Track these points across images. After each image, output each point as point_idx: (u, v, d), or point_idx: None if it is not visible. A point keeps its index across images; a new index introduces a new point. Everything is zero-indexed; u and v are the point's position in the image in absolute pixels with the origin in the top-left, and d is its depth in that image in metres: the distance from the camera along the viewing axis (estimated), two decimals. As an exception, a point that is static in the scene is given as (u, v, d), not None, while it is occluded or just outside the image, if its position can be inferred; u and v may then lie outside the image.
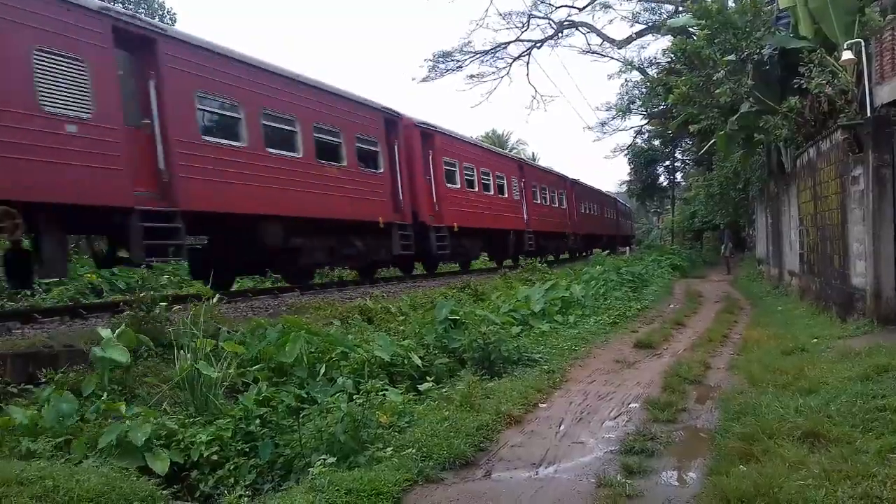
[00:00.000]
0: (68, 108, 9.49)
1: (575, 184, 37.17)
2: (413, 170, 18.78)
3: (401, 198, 17.95)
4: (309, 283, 16.30)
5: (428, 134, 19.91)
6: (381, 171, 17.30)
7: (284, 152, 13.78)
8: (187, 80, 11.49)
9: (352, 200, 15.73)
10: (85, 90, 9.73)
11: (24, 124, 8.90)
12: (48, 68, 9.26)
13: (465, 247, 22.34)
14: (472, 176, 22.58)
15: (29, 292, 14.63)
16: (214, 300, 8.72)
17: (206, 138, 11.91)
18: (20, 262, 10.19)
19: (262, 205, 12.91)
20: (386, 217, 17.07)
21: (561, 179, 35.24)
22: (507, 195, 25.73)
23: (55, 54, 9.36)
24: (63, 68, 9.47)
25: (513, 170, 27.20)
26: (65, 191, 9.38)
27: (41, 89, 9.14)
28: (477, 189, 22.99)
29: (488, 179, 24.07)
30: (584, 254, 37.25)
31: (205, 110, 12.07)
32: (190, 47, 11.79)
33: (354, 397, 6.25)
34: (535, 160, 50.73)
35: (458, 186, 21.57)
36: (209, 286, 11.26)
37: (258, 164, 12.82)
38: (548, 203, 31.45)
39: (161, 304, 8.37)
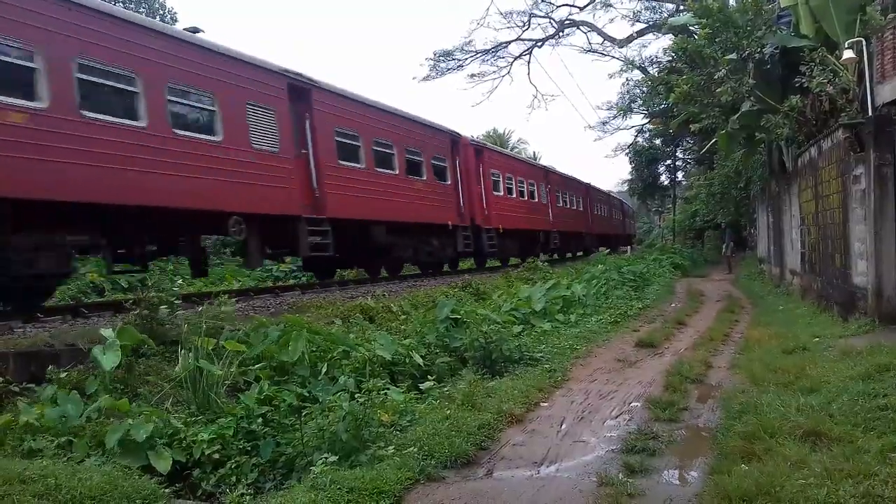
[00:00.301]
0: (266, 144, 12.98)
1: (589, 187, 39.94)
2: (469, 181, 22.24)
3: (462, 205, 21.33)
4: (399, 273, 20.31)
5: (479, 150, 23.74)
6: (449, 182, 20.87)
7: (387, 171, 17.40)
8: (329, 119, 15.07)
9: (430, 208, 19.31)
10: (274, 131, 13.25)
11: (242, 157, 12.34)
12: (254, 116, 12.74)
13: (507, 245, 25.57)
14: (511, 184, 26.16)
15: None
16: (225, 301, 8.72)
17: (341, 162, 15.43)
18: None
19: (373, 212, 16.48)
20: (453, 220, 20.57)
21: (579, 184, 37.91)
22: (536, 200, 29.20)
23: (257, 106, 12.86)
24: (261, 116, 12.94)
25: (540, 177, 30.37)
26: (265, 205, 12.88)
27: (251, 132, 12.66)
28: (515, 195, 26.58)
29: (523, 187, 27.61)
30: (597, 251, 39.64)
31: (339, 141, 15.40)
32: (330, 94, 15.42)
33: (356, 396, 6.26)
34: (535, 159, 51.29)
35: (502, 194, 25.09)
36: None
37: (371, 181, 16.44)
38: (568, 206, 34.50)
39: (162, 306, 8.33)
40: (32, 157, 8.88)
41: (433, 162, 19.83)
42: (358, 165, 16.05)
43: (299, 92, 14.17)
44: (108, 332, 7.08)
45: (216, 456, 5.66)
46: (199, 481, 5.53)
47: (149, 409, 6.01)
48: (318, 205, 14.30)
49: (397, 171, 17.78)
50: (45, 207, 9.45)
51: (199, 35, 12.42)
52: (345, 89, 16.15)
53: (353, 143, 16.01)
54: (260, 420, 6.14)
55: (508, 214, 25.00)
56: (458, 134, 22.20)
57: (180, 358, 6.84)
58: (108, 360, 6.74)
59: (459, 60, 42.27)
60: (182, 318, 8.44)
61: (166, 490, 5.06)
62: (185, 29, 13.13)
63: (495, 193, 24.29)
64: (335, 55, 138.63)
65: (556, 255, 32.83)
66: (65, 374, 6.69)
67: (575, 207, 35.71)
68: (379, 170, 16.95)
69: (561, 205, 32.70)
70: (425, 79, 43.58)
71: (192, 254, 13.26)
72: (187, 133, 11.36)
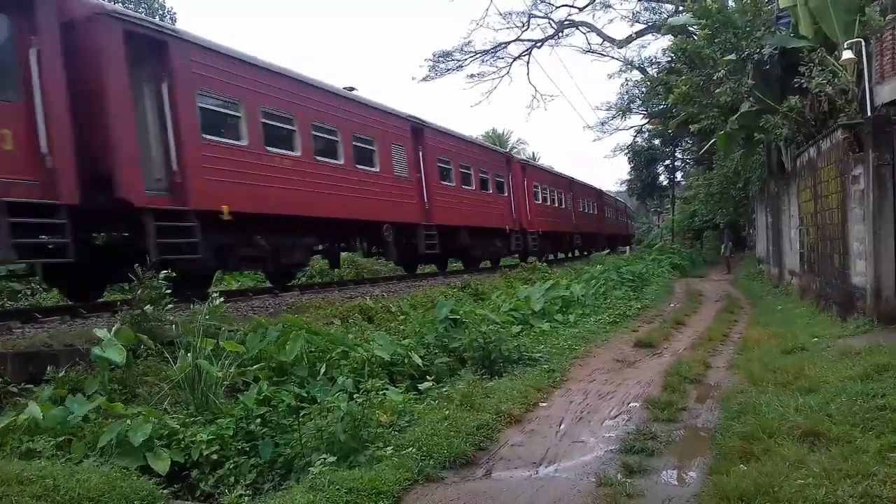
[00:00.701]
0: (400, 171, 18.29)
1: (601, 193, 46.12)
2: (518, 192, 27.16)
3: (513, 212, 26.41)
4: (478, 267, 24.49)
5: (524, 166, 29.63)
6: (506, 194, 26.23)
7: (469, 187, 22.97)
8: (434, 150, 20.54)
9: (495, 215, 24.79)
10: (404, 162, 18.57)
11: (389, 182, 17.68)
12: (395, 152, 18.10)
13: (544, 245, 30.58)
14: (546, 194, 31.61)
15: (29, 291, 15.08)
16: (218, 301, 8.70)
17: (443, 182, 21.01)
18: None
19: (462, 220, 21.86)
20: (509, 225, 25.80)
21: (593, 190, 43.70)
22: (564, 206, 34.44)
23: (396, 145, 18.26)
24: (398, 151, 18.33)
25: (566, 186, 35.62)
26: (402, 216, 18.14)
27: (394, 163, 18.02)
28: (549, 203, 31.93)
29: (555, 196, 32.92)
30: (608, 249, 43.47)
31: (439, 166, 20.85)
32: (434, 131, 20.95)
33: (355, 396, 6.25)
34: (535, 159, 51.98)
35: (540, 202, 30.50)
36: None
37: (459, 196, 21.96)
38: (586, 210, 40.05)
39: (149, 306, 8.30)
40: (295, 188, 13.83)
41: (497, 179, 25.47)
42: (450, 184, 21.63)
43: (416, 131, 19.54)
44: (103, 333, 7.06)
45: (215, 456, 5.66)
46: (197, 482, 5.53)
47: (147, 410, 6.00)
48: (429, 215, 19.55)
49: (474, 187, 23.32)
50: (299, 220, 14.33)
51: (355, 91, 17.63)
52: (442, 126, 21.89)
53: (447, 166, 21.48)
54: (258, 421, 6.13)
55: (545, 219, 30.47)
56: (510, 154, 29.84)
57: (179, 358, 6.84)
58: (114, 354, 6.74)
59: (459, 61, 42.37)
60: (177, 317, 8.43)
61: (165, 491, 5.06)
62: (344, 87, 17.38)
63: (535, 202, 29.55)
64: (335, 53, 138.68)
65: (576, 253, 37.93)
66: (63, 374, 6.68)
67: (591, 211, 41.30)
68: (464, 187, 22.52)
69: (581, 210, 38.27)
70: (424, 79, 43.66)
71: (367, 248, 18.46)
72: (362, 167, 16.56)
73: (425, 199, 19.36)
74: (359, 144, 16.47)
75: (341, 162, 15.61)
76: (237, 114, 12.78)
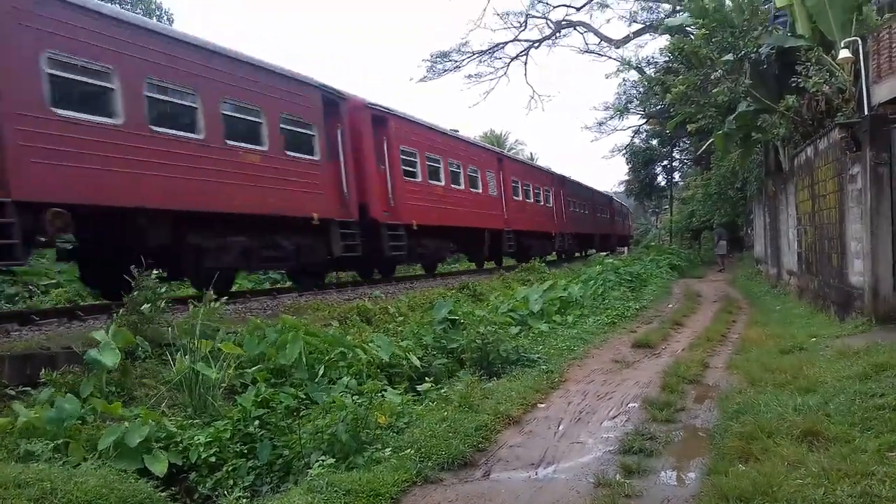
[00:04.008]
0: (490, 191, 25.01)
1: (612, 200, 52.01)
2: (561, 203, 34.78)
3: (554, 217, 33.61)
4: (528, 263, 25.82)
5: (562, 180, 36.20)
6: (552, 205, 33.48)
7: (529, 200, 30.35)
8: (510, 174, 27.72)
9: (543, 222, 31.76)
10: (494, 184, 25.42)
11: (485, 199, 24.60)
12: (489, 178, 24.73)
13: (574, 244, 36.97)
14: (579, 204, 39.25)
15: (27, 294, 15.10)
16: (216, 302, 8.69)
17: (514, 198, 27.73)
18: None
19: (527, 226, 29.02)
20: (553, 229, 33.07)
21: (607, 198, 50.43)
22: (589, 213, 41.88)
23: (489, 172, 25.12)
24: (491, 177, 25.10)
25: (588, 196, 42.89)
26: (493, 224, 24.95)
27: (489, 186, 24.99)
28: (580, 211, 39.76)
29: (583, 204, 40.56)
30: (617, 248, 48.23)
31: (514, 185, 27.92)
32: (511, 160, 29.84)
33: (353, 397, 6.24)
34: (533, 160, 52.41)
35: (573, 210, 37.70)
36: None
37: (524, 207, 29.34)
38: (601, 215, 46.64)
39: (146, 306, 8.29)
40: (446, 207, 21.19)
41: (545, 192, 32.70)
42: (528, 201, 30.19)
43: (500, 161, 27.18)
44: (100, 335, 7.05)
45: (213, 459, 5.66)
46: (195, 485, 5.53)
47: (144, 412, 5.99)
48: (508, 223, 26.16)
49: (532, 200, 30.64)
50: (446, 229, 21.27)
51: (458, 132, 24.59)
52: (518, 158, 34.83)
53: (516, 185, 28.48)
54: (257, 423, 6.13)
55: (579, 223, 38.37)
56: (560, 174, 36.34)
57: (177, 360, 6.82)
58: (108, 357, 6.73)
59: (456, 61, 42.32)
60: (175, 319, 8.42)
61: (162, 493, 5.06)
62: (450, 129, 23.54)
63: (573, 210, 37.33)
64: (333, 53, 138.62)
65: (595, 251, 40.59)
66: (59, 376, 6.66)
67: (605, 216, 48.14)
68: (526, 200, 29.71)
69: (598, 215, 45.11)
70: (422, 80, 43.55)
71: (479, 250, 25.35)
72: (473, 189, 23.55)
73: (504, 210, 26.07)
74: (471, 174, 23.48)
75: (462, 187, 22.56)
76: (416, 160, 19.57)
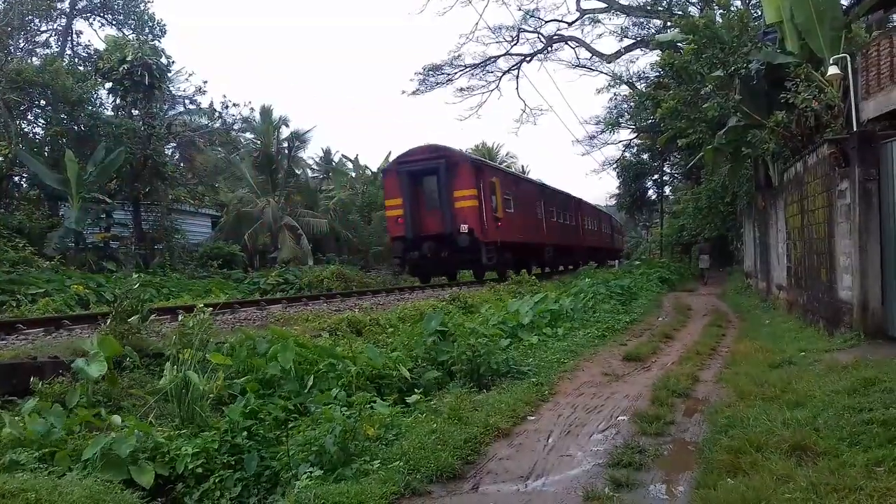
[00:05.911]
0: (597, 227, 47.32)
1: (612, 218, 56.36)
2: (579, 220, 40.93)
3: (606, 240, 47.75)
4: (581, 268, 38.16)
5: (579, 203, 41.69)
6: (606, 231, 49.76)
7: (564, 221, 37.10)
8: (586, 213, 43.65)
9: (569, 237, 38.01)
10: (598, 221, 47.79)
11: (600, 234, 48.35)
12: (598, 221, 48.44)
13: (590, 256, 44.40)
14: (590, 221, 44.94)
15: (14, 303, 15.06)
16: (207, 313, 8.66)
17: (586, 227, 43.90)
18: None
19: (573, 242, 39.85)
20: (607, 246, 48.99)
21: (606, 215, 54.20)
22: (597, 229, 47.78)
23: (600, 222, 49.27)
24: (596, 221, 47.35)
25: (596, 214, 48.79)
26: (607, 245, 51.42)
27: (603, 226, 50.30)
28: (591, 227, 45.13)
29: (593, 221, 46.39)
30: (611, 260, 51.70)
31: (588, 225, 43.64)
32: (590, 205, 46.40)
33: (342, 409, 6.21)
34: (525, 173, 53.15)
35: (587, 227, 43.95)
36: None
37: (579, 230, 41.11)
38: (603, 231, 51.19)
39: (134, 316, 8.25)
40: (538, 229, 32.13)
41: (602, 225, 45.67)
42: (594, 229, 44.88)
43: (576, 204, 40.06)
44: (88, 344, 7.01)
45: (200, 470, 5.60)
46: (182, 496, 5.47)
47: (132, 422, 5.94)
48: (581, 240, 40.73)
49: (575, 223, 39.71)
50: (535, 245, 31.62)
51: (598, 206, 47.90)
52: (590, 203, 47.52)
53: (597, 221, 46.12)
54: (245, 434, 6.08)
55: (591, 238, 44.22)
56: (578, 198, 41.94)
57: (166, 371, 6.78)
58: (94, 368, 6.69)
59: (448, 75, 42.53)
60: (163, 329, 8.38)
61: (148, 504, 5.01)
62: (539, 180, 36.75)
63: (585, 227, 42.81)
64: (327, 67, 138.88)
65: (593, 263, 43.40)
66: (47, 386, 6.61)
67: (605, 231, 52.16)
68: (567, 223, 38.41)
69: (600, 231, 49.58)
70: (414, 93, 43.68)
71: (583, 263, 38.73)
72: (560, 220, 35.34)
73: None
74: (561, 209, 35.52)
75: (556, 219, 34.48)
76: (510, 199, 26.59)
